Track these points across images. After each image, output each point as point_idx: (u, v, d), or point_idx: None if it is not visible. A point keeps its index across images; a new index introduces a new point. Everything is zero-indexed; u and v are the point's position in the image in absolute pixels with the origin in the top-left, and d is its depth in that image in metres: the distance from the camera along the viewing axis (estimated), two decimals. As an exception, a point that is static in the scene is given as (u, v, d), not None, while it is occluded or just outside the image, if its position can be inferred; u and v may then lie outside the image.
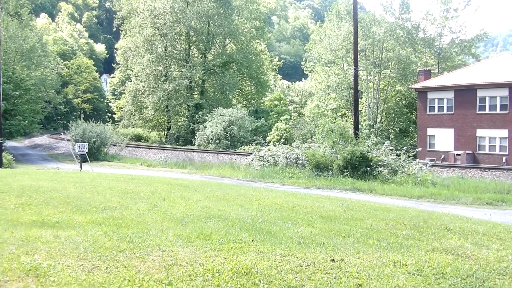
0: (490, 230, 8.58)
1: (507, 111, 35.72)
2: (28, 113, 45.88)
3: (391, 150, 25.26)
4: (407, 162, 24.61)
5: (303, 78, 79.93)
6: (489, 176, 26.76)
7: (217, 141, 46.33)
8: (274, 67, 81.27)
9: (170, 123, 63.29)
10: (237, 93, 66.69)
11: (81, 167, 28.95)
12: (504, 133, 35.83)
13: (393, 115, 51.20)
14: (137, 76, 62.08)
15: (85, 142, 33.84)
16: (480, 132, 37.27)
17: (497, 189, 20.86)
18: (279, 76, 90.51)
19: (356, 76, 28.48)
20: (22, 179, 12.85)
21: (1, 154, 24.81)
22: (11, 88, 40.87)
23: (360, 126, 36.43)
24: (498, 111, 36.38)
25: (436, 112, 40.52)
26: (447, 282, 5.28)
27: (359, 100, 37.56)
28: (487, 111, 37.00)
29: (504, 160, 35.20)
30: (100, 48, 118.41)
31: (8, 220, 7.26)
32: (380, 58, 49.63)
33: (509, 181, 24.18)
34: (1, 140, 25.04)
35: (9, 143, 47.59)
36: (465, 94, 38.29)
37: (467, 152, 37.35)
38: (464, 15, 60.07)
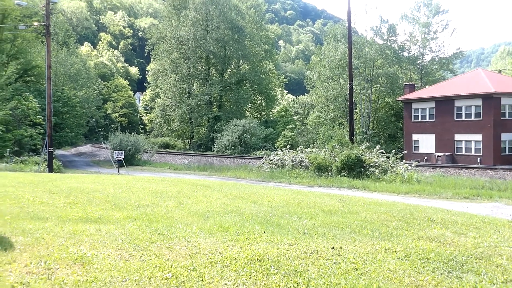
0: (467, 221, 8.46)
1: (481, 118, 35.37)
2: (74, 126, 46.36)
3: (382, 153, 25.05)
4: (395, 163, 24.38)
5: (305, 93, 79.71)
6: (465, 174, 26.49)
7: (233, 147, 46.29)
8: (281, 83, 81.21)
9: (193, 133, 63.47)
10: (250, 106, 66.86)
11: (118, 171, 29.14)
12: (478, 137, 35.46)
13: (383, 123, 50.92)
14: (165, 93, 62.60)
15: (122, 150, 34.02)
16: (457, 137, 36.93)
17: (473, 185, 20.62)
18: (285, 91, 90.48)
19: (351, 90, 28.37)
20: (70, 182, 12.92)
21: (52, 161, 25.01)
22: (60, 106, 41.36)
23: (355, 133, 36.21)
24: (473, 118, 36.03)
25: (419, 120, 40.22)
26: (431, 266, 5.22)
27: (354, 110, 37.35)
28: (463, 118, 36.66)
29: (478, 160, 34.82)
30: (134, 70, 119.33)
31: (58, 217, 7.31)
32: (371, 75, 49.44)
33: (483, 178, 23.90)
34: (52, 149, 25.23)
35: (58, 152, 48.07)
36: (444, 104, 38.00)
37: (446, 154, 37.01)
38: (442, 36, 59.60)
